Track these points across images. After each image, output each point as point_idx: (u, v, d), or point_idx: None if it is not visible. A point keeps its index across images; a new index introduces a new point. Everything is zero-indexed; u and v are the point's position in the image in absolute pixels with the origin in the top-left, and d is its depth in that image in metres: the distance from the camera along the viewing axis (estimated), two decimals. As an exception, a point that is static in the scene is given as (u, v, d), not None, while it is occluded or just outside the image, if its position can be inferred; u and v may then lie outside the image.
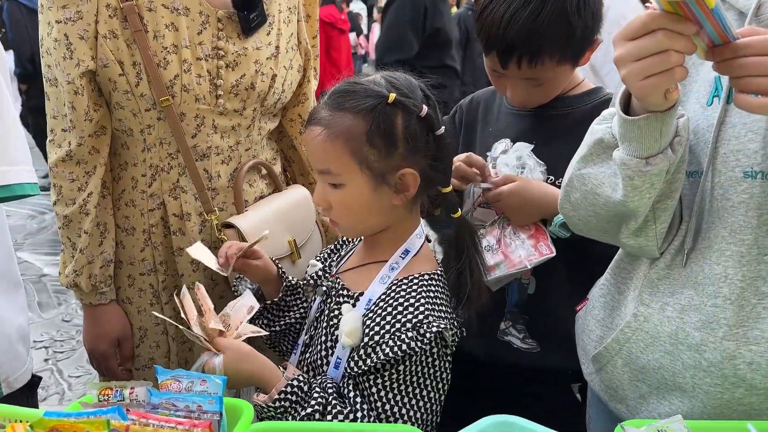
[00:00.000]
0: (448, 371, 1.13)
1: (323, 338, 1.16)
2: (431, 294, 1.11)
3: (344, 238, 1.35)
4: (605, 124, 0.98)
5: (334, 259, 1.30)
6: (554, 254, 1.29)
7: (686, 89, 0.99)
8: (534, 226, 1.35)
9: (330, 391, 1.08)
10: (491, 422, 0.90)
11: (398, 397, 1.07)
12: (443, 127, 1.13)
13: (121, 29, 1.31)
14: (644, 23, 0.80)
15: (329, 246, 1.37)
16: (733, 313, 0.94)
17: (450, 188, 1.18)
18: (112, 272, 1.46)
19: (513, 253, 1.32)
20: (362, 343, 1.07)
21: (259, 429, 0.95)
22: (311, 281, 1.26)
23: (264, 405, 1.06)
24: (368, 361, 1.05)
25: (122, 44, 1.32)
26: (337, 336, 1.12)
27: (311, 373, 1.17)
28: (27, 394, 1.37)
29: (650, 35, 0.80)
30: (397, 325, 1.05)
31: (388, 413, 1.06)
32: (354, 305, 1.13)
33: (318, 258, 1.33)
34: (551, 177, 1.37)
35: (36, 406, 1.43)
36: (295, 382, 1.07)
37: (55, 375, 3.13)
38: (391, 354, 1.04)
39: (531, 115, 1.42)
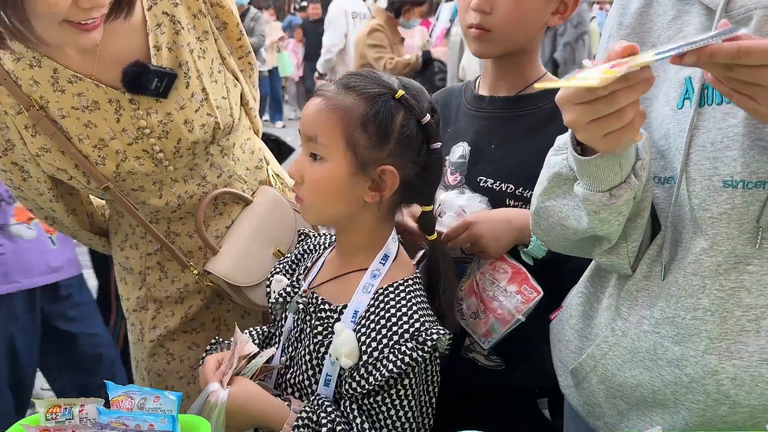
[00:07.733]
0: (438, 372, 1.11)
1: (306, 357, 1.10)
2: (419, 300, 1.07)
3: (306, 247, 1.29)
4: (561, 155, 0.93)
5: (301, 271, 1.23)
6: (542, 294, 1.22)
7: (655, 90, 0.93)
8: (510, 267, 1.26)
9: (333, 416, 1.02)
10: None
11: (408, 413, 1.03)
12: (440, 143, 1.11)
13: (49, 141, 1.28)
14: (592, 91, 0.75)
15: (288, 257, 1.30)
16: (715, 326, 0.88)
17: (431, 208, 1.16)
18: None
19: (501, 309, 1.25)
20: (361, 362, 1.02)
21: (216, 448, 0.91)
22: (279, 299, 1.18)
23: None
24: (371, 379, 1.00)
25: (57, 155, 1.29)
26: (323, 353, 1.08)
27: (296, 394, 1.12)
28: None
29: (602, 99, 0.76)
30: (395, 338, 1.01)
31: (398, 429, 1.03)
32: (338, 319, 1.08)
33: (279, 270, 1.26)
34: (507, 185, 1.29)
35: None
36: (304, 414, 1.02)
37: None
38: (395, 369, 0.99)
39: (490, 116, 1.36)
